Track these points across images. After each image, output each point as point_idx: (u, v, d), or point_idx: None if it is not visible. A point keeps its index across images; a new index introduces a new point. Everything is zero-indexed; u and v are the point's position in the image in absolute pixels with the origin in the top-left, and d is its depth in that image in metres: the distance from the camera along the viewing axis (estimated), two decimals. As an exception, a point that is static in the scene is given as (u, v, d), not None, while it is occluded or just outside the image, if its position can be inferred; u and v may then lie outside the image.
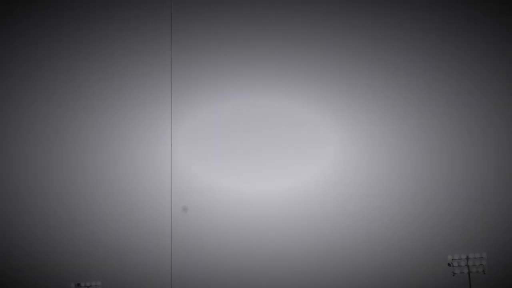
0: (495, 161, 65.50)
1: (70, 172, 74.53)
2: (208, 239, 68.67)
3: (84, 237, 72.21)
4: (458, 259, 59.09)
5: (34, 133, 76.27)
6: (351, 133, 69.16)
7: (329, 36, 71.38)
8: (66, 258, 71.68)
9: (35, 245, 72.86)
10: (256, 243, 67.69)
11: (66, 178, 74.34)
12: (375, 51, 70.09)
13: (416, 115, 68.44)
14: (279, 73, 71.81)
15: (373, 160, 68.17)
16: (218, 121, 72.00)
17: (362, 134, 69.26)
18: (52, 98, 76.61)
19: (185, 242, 68.29)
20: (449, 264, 59.17)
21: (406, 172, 67.20)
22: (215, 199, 69.75)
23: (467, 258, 58.91)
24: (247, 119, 71.64)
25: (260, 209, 68.61)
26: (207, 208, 69.56)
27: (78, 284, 67.15)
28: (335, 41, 71.20)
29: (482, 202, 64.17)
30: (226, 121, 71.94)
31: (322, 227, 67.11)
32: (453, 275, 59.14)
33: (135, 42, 75.49)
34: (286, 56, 72.09)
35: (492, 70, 66.82)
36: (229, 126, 71.73)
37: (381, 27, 70.09)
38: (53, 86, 77.02)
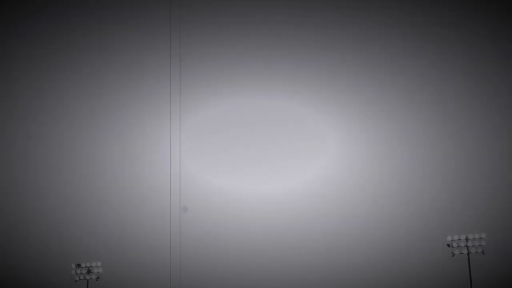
0: (495, 143, 65.70)
1: (71, 164, 74.60)
2: (208, 233, 68.79)
3: (84, 218, 72.35)
4: (458, 239, 59.37)
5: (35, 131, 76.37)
6: (352, 131, 69.34)
7: (330, 34, 71.34)
8: (67, 239, 71.82)
9: (35, 226, 73.00)
10: (257, 242, 67.78)
11: (68, 170, 74.43)
12: (377, 50, 70.14)
13: (417, 108, 68.69)
14: (280, 72, 71.76)
15: (373, 147, 68.39)
16: (218, 120, 71.93)
17: (362, 130, 69.44)
18: (51, 97, 76.51)
19: (185, 226, 68.48)
20: (448, 245, 59.45)
21: (407, 153, 67.45)
22: (216, 198, 69.73)
23: (467, 239, 59.20)
24: (248, 118, 71.61)
25: (261, 209, 68.67)
26: (207, 206, 69.57)
27: (79, 265, 67.25)
28: (336, 39, 71.19)
29: (481, 183, 64.39)
30: (227, 121, 71.90)
31: (323, 222, 67.26)
32: (452, 256, 59.45)
33: (133, 39, 75.23)
34: (286, 54, 72.05)
35: (493, 69, 67.06)
36: (230, 125, 71.68)
37: (384, 25, 70.11)
38: (51, 84, 76.84)
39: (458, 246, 59.30)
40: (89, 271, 66.90)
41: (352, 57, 70.50)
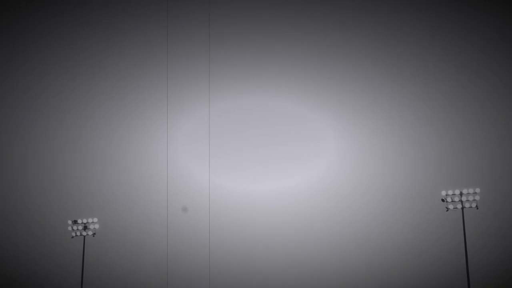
0: (490, 99, 65.99)
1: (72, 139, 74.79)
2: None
3: (81, 174, 72.59)
4: (452, 194, 59.73)
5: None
6: (353, 131, 69.40)
7: (329, 34, 70.91)
8: (63, 195, 72.12)
9: (32, 182, 73.23)
10: (257, 242, 68.00)
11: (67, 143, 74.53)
12: (376, 50, 69.84)
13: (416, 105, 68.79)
14: (279, 72, 71.41)
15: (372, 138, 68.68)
16: (218, 120, 71.64)
17: (362, 130, 69.54)
18: (48, 97, 76.08)
19: (184, 181, 68.82)
20: (442, 200, 59.81)
21: (403, 112, 67.78)
22: (215, 198, 69.70)
23: (461, 194, 59.54)
24: (247, 118, 71.42)
25: (259, 209, 68.78)
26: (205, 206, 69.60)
27: (75, 221, 67.47)
28: (335, 39, 70.74)
29: (475, 138, 64.72)
30: (227, 121, 71.69)
31: (319, 219, 67.60)
32: (447, 211, 59.85)
33: (130, 39, 74.62)
34: (285, 54, 71.63)
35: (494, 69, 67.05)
36: (231, 125, 71.45)
37: (383, 26, 69.68)
38: (48, 84, 76.38)
39: (452, 201, 59.59)
40: (85, 227, 67.14)
41: (352, 57, 70.39)
